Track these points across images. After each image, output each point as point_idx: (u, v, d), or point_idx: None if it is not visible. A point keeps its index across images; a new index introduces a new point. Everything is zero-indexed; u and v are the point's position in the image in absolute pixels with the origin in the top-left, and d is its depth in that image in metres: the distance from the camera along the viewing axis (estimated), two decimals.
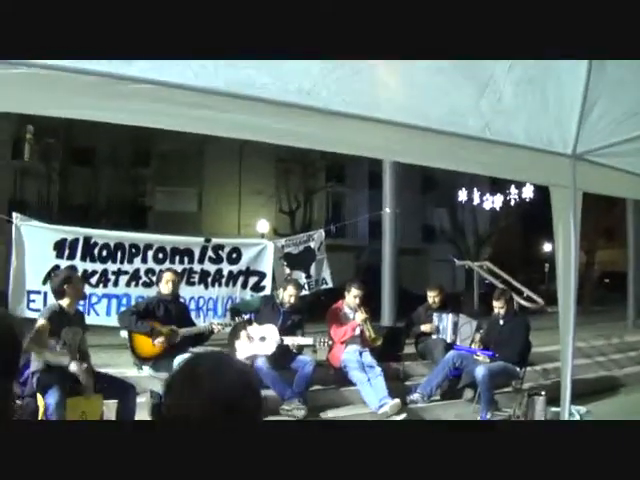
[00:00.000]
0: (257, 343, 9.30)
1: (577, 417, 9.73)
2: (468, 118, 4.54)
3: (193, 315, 10.70)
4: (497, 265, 16.01)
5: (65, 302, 7.41)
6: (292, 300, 9.71)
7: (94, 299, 10.98)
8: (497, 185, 39.28)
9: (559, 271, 5.34)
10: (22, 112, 3.69)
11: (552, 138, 4.84)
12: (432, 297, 11.54)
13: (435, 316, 11.32)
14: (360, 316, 9.92)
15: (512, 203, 39.07)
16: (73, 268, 8.05)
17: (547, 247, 44.74)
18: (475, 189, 41.09)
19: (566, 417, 5.44)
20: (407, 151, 4.77)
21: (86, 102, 3.54)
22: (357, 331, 10.05)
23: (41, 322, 7.10)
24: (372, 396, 9.27)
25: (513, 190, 38.00)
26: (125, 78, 3.48)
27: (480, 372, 9.60)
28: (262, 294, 11.21)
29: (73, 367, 7.00)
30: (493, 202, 41.53)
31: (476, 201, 41.61)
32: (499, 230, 43.33)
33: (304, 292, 12.27)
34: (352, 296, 10.19)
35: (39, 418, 7.01)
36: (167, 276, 9.02)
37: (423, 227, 51.37)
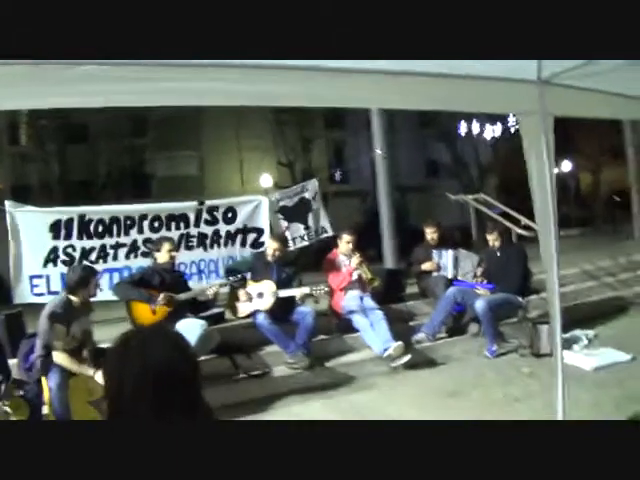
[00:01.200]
0: (255, 300, 9.36)
1: (585, 341, 9.77)
2: None
3: (195, 279, 10.79)
4: (504, 194, 15.91)
5: (75, 298, 7.46)
6: (276, 254, 9.72)
7: None
8: (495, 115, 39.02)
9: (535, 198, 5.28)
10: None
11: (513, 66, 4.76)
12: (430, 234, 11.53)
13: (435, 253, 11.28)
14: (355, 260, 9.90)
15: (512, 131, 38.83)
16: (92, 270, 8.01)
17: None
18: (474, 120, 40.87)
19: (559, 347, 5.38)
20: (377, 97, 4.72)
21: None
22: (355, 276, 10.08)
23: (59, 327, 7.17)
24: (376, 340, 9.32)
25: (512, 118, 37.77)
26: None
27: (479, 305, 9.64)
28: (255, 251, 11.19)
29: (98, 377, 7.04)
30: (494, 131, 41.36)
31: (476, 132, 41.42)
32: (502, 159, 43.13)
33: (304, 243, 12.33)
34: (344, 242, 10.21)
35: (45, 400, 7.09)
36: (166, 246, 9.09)
37: (425, 163, 51.20)
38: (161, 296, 8.53)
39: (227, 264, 11.14)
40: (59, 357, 7.10)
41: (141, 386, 2.13)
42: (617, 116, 7.78)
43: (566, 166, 43.32)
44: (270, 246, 9.85)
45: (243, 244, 11.74)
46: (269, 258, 9.76)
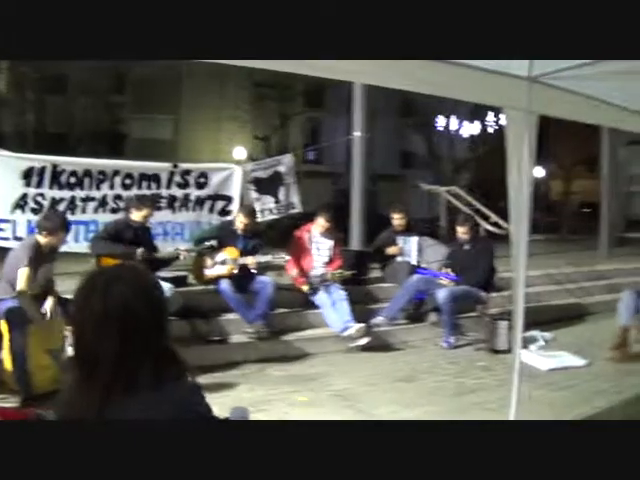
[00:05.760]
0: (218, 266, 9.37)
1: (542, 342, 9.87)
2: None
3: (160, 240, 10.70)
4: (476, 191, 16.00)
5: (44, 241, 7.42)
6: (244, 227, 9.74)
7: None
8: (475, 112, 39.15)
9: (511, 194, 5.31)
10: None
11: (508, 61, 4.80)
12: (396, 219, 11.54)
13: (400, 239, 11.38)
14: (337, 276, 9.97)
15: (491, 130, 38.99)
16: (66, 219, 7.96)
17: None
18: (453, 116, 40.98)
19: (518, 344, 5.44)
20: (365, 71, 4.71)
21: None
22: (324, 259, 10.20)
23: (26, 270, 7.14)
24: (336, 319, 9.40)
25: (491, 117, 37.94)
26: None
27: (441, 295, 9.72)
28: (223, 219, 11.20)
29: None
30: (471, 129, 41.51)
31: (454, 128, 41.54)
32: (477, 157, 43.32)
33: (272, 216, 12.36)
34: (320, 225, 10.27)
35: (3, 343, 7.05)
36: (147, 206, 9.26)
37: (401, 153, 51.24)
38: (139, 252, 8.55)
39: (195, 234, 11.09)
40: (24, 301, 7.06)
41: (103, 327, 2.13)
42: (599, 122, 7.82)
43: (539, 172, 43.50)
44: (240, 220, 9.82)
45: (211, 210, 11.75)
46: (237, 230, 9.77)
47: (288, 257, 9.72)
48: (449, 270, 10.31)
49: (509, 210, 5.36)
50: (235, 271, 9.35)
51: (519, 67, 4.87)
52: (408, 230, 11.57)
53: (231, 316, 9.44)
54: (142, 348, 2.17)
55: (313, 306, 9.89)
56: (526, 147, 5.22)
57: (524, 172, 5.27)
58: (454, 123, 41.34)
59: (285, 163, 12.63)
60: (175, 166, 11.49)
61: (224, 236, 9.74)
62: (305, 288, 9.91)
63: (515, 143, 5.29)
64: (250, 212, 10.15)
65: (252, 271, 9.44)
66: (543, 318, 10.91)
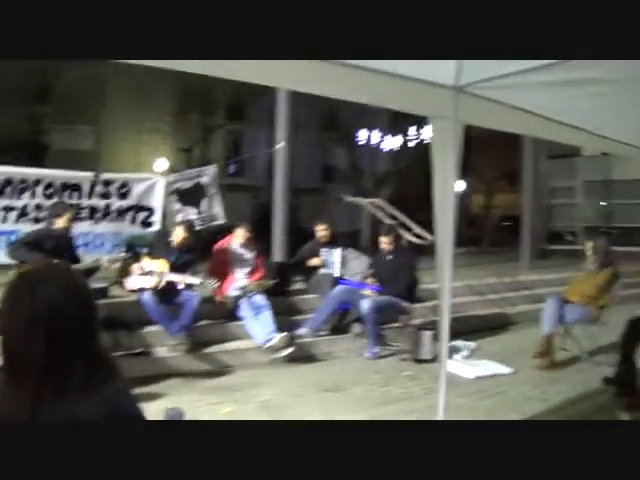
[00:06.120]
0: (145, 277, 9.23)
1: (466, 352, 9.97)
2: None
3: (81, 251, 10.54)
4: (396, 205, 16.10)
5: None
6: (181, 241, 9.65)
7: None
8: (397, 126, 39.39)
9: (436, 205, 5.34)
10: None
11: (434, 69, 4.81)
12: (321, 231, 11.59)
13: (323, 251, 11.37)
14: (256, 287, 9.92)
15: (412, 144, 39.27)
16: None
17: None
18: (375, 130, 41.16)
19: (445, 353, 5.47)
20: (286, 76, 4.68)
21: None
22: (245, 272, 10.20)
23: None
24: (259, 330, 9.34)
25: (413, 131, 38.21)
26: None
27: (364, 306, 9.76)
28: (156, 229, 11.10)
29: None
30: (392, 143, 41.75)
31: (376, 141, 41.73)
32: (399, 170, 43.59)
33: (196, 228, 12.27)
34: (240, 237, 10.27)
35: None
36: (67, 214, 9.04)
37: (323, 167, 51.32)
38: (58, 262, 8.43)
39: (128, 237, 10.94)
40: None
41: (31, 329, 2.11)
42: (525, 132, 7.97)
43: (461, 185, 43.97)
44: (178, 234, 9.72)
45: (133, 221, 11.63)
46: (173, 243, 9.69)
47: (218, 283, 9.58)
48: (372, 281, 10.36)
49: (434, 221, 5.38)
50: (161, 285, 9.21)
51: (445, 76, 4.90)
52: (332, 242, 11.58)
53: (154, 328, 9.31)
54: (73, 350, 2.15)
55: (236, 318, 9.80)
56: (451, 157, 5.26)
57: (449, 182, 5.31)
58: (376, 137, 41.51)
59: (208, 174, 12.55)
60: (97, 176, 11.35)
61: (157, 247, 9.62)
62: (228, 300, 9.83)
63: (441, 153, 5.32)
64: (189, 227, 10.03)
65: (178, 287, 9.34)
66: (466, 328, 11.00)
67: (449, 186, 5.31)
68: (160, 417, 2.92)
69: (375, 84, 4.68)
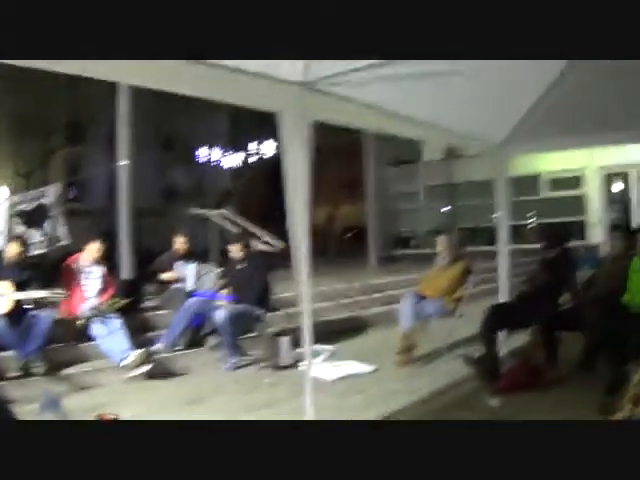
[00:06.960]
0: None
1: (323, 355, 10.00)
2: None
3: None
4: (244, 215, 16.06)
5: None
6: (17, 256, 9.38)
7: None
8: (238, 142, 39.58)
9: (290, 209, 5.34)
10: None
11: (280, 65, 4.79)
12: (179, 244, 11.60)
13: (176, 265, 11.27)
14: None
15: (254, 159, 39.49)
16: None
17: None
18: (215, 147, 41.25)
19: (309, 356, 5.47)
20: (128, 71, 4.53)
21: None
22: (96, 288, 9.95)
23: None
24: (114, 349, 9.12)
25: (254, 146, 38.48)
26: None
27: (219, 316, 9.66)
28: None
29: None
30: (233, 160, 41.93)
31: (216, 158, 41.82)
32: (242, 185, 43.70)
33: (40, 250, 11.91)
34: (91, 251, 10.03)
35: None
36: None
37: (164, 188, 51.00)
38: None
39: None
40: None
41: None
42: (373, 127, 8.08)
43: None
44: (12, 249, 9.41)
45: None
46: (8, 260, 9.33)
47: (66, 293, 9.31)
48: (226, 291, 10.29)
49: (289, 225, 5.37)
50: (9, 308, 8.85)
51: (292, 72, 4.89)
52: (188, 256, 11.50)
53: (6, 353, 8.94)
54: None
55: (89, 338, 9.52)
56: (301, 155, 5.24)
57: (301, 183, 5.29)
58: (216, 154, 41.57)
59: (50, 195, 12.24)
60: None
61: None
62: (79, 321, 9.55)
63: (291, 152, 5.30)
64: (23, 242, 9.77)
65: (25, 307, 9.00)
66: (322, 333, 11.03)
67: (301, 186, 5.30)
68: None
69: (219, 80, 4.63)
